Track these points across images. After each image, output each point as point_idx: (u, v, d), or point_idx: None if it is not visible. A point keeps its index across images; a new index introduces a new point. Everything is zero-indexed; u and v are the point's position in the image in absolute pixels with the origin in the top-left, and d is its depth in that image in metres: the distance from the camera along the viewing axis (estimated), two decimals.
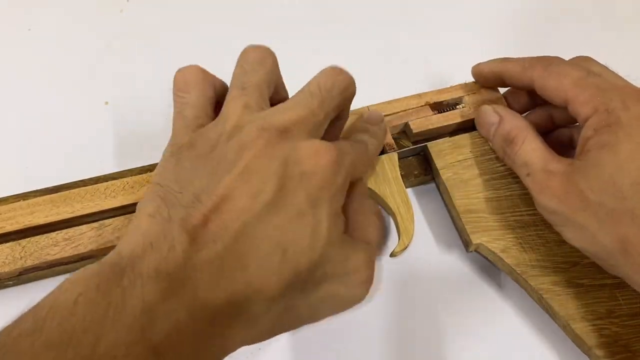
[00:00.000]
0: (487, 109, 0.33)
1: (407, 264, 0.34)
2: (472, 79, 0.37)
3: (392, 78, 0.43)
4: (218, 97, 0.28)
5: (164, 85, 0.32)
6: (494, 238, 0.32)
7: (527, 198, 0.33)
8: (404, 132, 0.36)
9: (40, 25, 0.41)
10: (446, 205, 0.35)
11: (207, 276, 0.21)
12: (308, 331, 0.31)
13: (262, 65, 0.27)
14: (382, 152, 0.35)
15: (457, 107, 0.37)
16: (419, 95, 0.37)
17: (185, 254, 0.21)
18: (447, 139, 0.35)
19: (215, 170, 0.23)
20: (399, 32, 0.46)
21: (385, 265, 0.34)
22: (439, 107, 0.37)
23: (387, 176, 0.34)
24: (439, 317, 0.33)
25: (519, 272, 0.31)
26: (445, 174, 0.34)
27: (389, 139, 0.35)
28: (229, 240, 0.21)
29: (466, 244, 0.33)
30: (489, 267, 0.34)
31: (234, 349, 0.23)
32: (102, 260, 0.21)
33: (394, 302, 0.33)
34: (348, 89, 0.28)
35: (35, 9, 0.41)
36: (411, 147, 0.36)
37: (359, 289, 0.25)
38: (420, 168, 0.36)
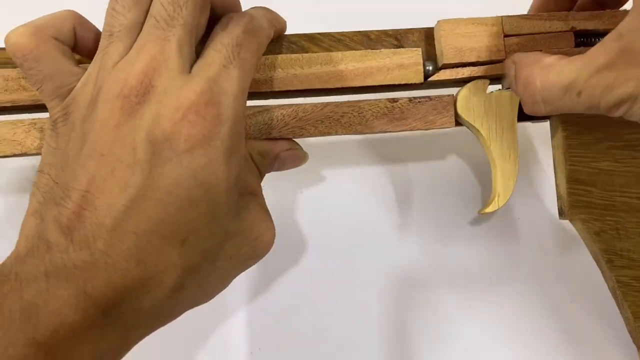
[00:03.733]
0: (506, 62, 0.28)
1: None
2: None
3: None
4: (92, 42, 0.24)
5: None
6: (592, 217, 0.29)
7: None
8: None
9: None
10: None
11: (94, 274, 0.19)
12: (309, 331, 0.32)
13: (136, 2, 0.22)
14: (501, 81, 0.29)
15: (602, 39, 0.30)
16: (566, 16, 0.29)
17: (64, 255, 0.19)
18: None
19: (81, 156, 0.21)
20: None
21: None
22: (585, 36, 0.30)
23: (500, 116, 0.29)
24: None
25: (605, 259, 0.29)
26: (566, 130, 0.29)
27: None
28: (107, 237, 0.20)
29: (560, 211, 0.30)
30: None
31: (141, 338, 0.22)
32: None
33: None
34: None
35: (34, 9, 0.35)
36: None
37: (268, 244, 0.25)
38: None
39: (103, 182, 0.20)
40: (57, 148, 0.22)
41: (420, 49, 0.29)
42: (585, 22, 0.29)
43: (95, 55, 0.23)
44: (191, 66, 0.22)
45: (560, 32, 0.29)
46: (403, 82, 0.28)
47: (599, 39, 0.29)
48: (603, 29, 0.29)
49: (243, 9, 0.26)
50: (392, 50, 0.28)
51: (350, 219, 0.34)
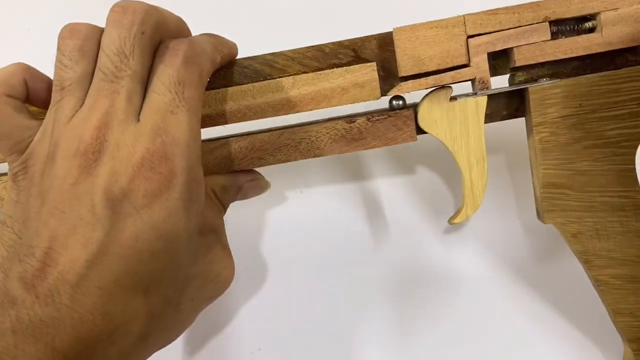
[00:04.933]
0: None
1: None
2: None
3: None
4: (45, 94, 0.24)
5: None
6: (569, 220, 0.28)
7: (627, 175, 0.28)
8: (502, 53, 0.27)
9: (40, 25, 0.38)
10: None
11: (62, 329, 0.20)
12: (308, 331, 0.32)
13: (82, 54, 0.23)
14: (470, 85, 0.27)
15: (584, 25, 0.27)
16: (537, 5, 0.26)
17: (30, 311, 0.20)
18: (555, 83, 0.27)
19: (41, 213, 0.21)
20: None
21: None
22: (562, 24, 0.27)
23: (466, 125, 0.28)
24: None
25: (583, 259, 0.29)
26: (540, 133, 0.27)
27: (483, 73, 0.27)
28: (72, 292, 0.20)
29: (538, 214, 0.29)
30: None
31: None
32: None
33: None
34: (139, 28, 0.22)
35: (34, 8, 0.39)
36: (506, 89, 0.28)
37: (227, 282, 0.26)
38: (511, 108, 0.29)
39: (65, 239, 0.20)
40: (18, 201, 0.22)
41: (374, 64, 0.27)
42: (560, 9, 0.26)
43: (49, 108, 0.23)
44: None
45: (532, 24, 0.27)
46: (359, 102, 0.27)
47: (578, 26, 0.27)
48: (581, 14, 0.26)
49: None
50: (345, 68, 0.27)
51: (349, 219, 0.34)
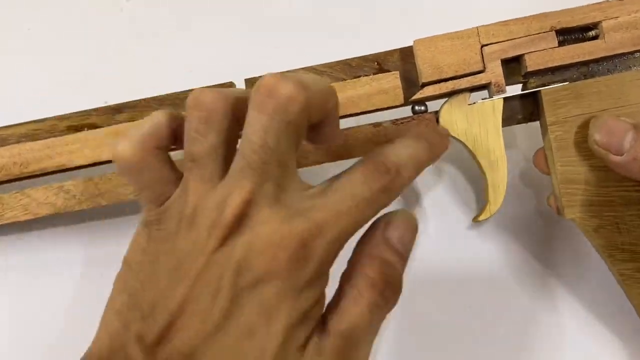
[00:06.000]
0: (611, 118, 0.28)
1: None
2: None
3: None
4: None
5: (164, 86, 0.31)
6: (589, 215, 0.30)
7: None
8: (514, 60, 0.30)
9: (39, 25, 0.39)
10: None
11: None
12: None
13: (208, 126, 0.22)
14: (485, 90, 0.30)
15: (588, 34, 0.29)
16: (545, 16, 0.29)
17: None
18: (566, 85, 0.29)
19: (172, 274, 0.21)
20: None
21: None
22: (567, 33, 0.29)
23: (484, 126, 0.30)
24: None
25: (606, 254, 0.30)
26: (554, 132, 0.29)
27: (498, 77, 0.29)
28: None
29: (558, 211, 0.31)
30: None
31: None
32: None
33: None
34: (302, 112, 0.21)
35: (34, 8, 0.40)
36: (521, 93, 0.30)
37: None
38: (525, 112, 0.31)
39: (189, 309, 0.20)
40: (147, 250, 0.22)
41: (397, 72, 0.30)
42: (564, 19, 0.29)
43: (185, 175, 0.22)
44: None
45: (540, 33, 0.29)
46: (385, 107, 0.30)
47: (582, 35, 0.29)
48: (584, 23, 0.29)
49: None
50: (371, 77, 0.30)
51: None
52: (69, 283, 0.33)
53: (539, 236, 0.34)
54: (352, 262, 0.23)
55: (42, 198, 0.30)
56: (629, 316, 0.31)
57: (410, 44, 0.30)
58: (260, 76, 0.21)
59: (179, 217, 0.22)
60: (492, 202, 0.30)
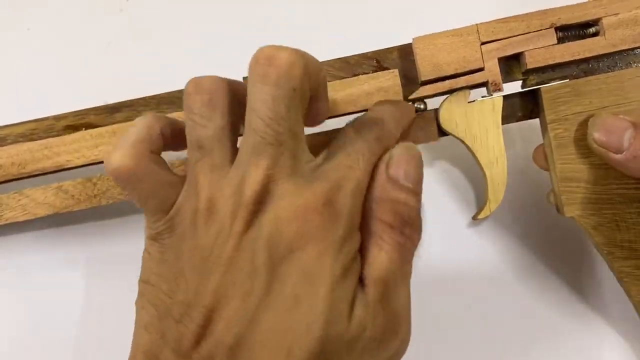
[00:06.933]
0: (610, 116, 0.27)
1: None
2: None
3: None
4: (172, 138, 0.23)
5: (164, 86, 0.30)
6: (588, 212, 0.30)
7: None
8: (514, 58, 0.30)
9: (40, 25, 0.39)
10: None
11: None
12: None
13: (212, 109, 0.22)
14: (484, 89, 0.30)
15: (588, 30, 0.29)
16: (544, 13, 0.29)
17: None
18: (566, 82, 0.29)
19: (200, 269, 0.20)
20: None
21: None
22: (567, 30, 0.29)
23: (484, 124, 0.30)
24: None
25: (605, 252, 0.30)
26: (554, 129, 0.29)
27: (495, 76, 0.29)
28: (224, 357, 0.19)
29: (558, 209, 0.31)
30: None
31: None
32: None
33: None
34: (304, 77, 0.21)
35: (34, 8, 0.40)
36: (520, 90, 0.30)
37: (397, 351, 0.23)
38: (525, 110, 0.31)
39: (225, 297, 0.20)
40: (164, 259, 0.21)
41: (397, 70, 0.29)
42: (565, 16, 0.29)
43: (189, 165, 0.22)
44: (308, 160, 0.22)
45: (540, 30, 0.29)
46: None
47: (582, 31, 0.29)
48: (584, 20, 0.29)
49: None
50: (370, 75, 0.30)
51: None
52: (68, 283, 0.33)
53: (539, 234, 0.34)
54: (365, 214, 0.23)
55: (40, 198, 0.30)
56: (628, 313, 0.31)
57: (409, 41, 0.30)
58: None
59: (193, 215, 0.21)
60: (492, 200, 0.30)
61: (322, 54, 0.30)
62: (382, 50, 0.30)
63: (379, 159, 0.23)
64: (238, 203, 0.20)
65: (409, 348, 0.33)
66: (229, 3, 0.39)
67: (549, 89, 0.29)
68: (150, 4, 0.39)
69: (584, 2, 0.29)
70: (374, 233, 0.22)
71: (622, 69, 0.29)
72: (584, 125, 0.29)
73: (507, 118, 0.31)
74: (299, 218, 0.20)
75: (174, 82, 0.33)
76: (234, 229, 0.20)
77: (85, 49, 0.39)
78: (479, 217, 0.30)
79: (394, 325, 0.22)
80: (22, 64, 0.39)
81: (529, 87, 0.30)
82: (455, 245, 0.34)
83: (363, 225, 0.22)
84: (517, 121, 0.31)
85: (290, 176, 0.21)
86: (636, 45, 0.29)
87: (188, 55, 0.38)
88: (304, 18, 0.38)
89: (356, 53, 0.30)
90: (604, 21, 0.29)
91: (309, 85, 0.22)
